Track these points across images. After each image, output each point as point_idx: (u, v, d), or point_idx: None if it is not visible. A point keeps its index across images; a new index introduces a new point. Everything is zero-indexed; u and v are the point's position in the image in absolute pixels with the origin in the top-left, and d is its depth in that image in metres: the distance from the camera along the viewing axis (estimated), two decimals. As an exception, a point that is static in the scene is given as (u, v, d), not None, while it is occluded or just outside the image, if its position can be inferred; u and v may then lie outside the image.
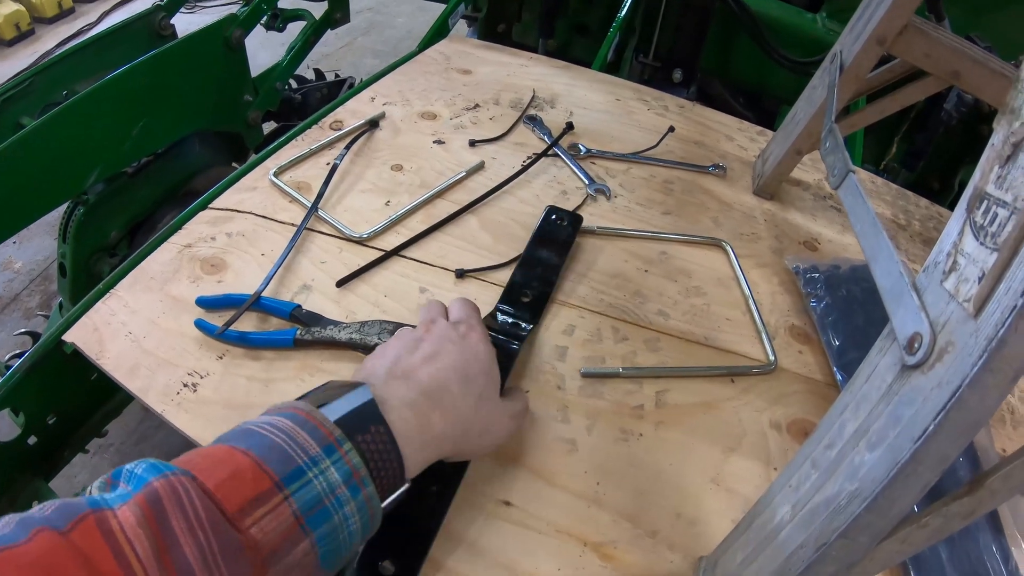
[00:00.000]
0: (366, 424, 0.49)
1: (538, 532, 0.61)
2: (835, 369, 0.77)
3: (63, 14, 3.39)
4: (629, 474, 0.66)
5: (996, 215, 0.37)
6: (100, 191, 1.42)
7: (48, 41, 3.19)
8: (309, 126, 1.05)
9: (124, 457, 1.65)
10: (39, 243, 2.21)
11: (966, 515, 0.42)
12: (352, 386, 0.52)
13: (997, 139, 0.40)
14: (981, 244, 0.38)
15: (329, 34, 1.86)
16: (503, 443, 0.62)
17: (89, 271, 1.43)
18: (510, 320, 0.75)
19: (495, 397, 0.60)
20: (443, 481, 0.62)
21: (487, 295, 0.80)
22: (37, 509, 0.37)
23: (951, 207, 1.16)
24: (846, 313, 0.81)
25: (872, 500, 0.40)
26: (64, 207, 1.41)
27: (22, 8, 3.16)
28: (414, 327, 0.66)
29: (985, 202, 0.39)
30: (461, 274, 0.83)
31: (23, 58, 3.01)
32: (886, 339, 0.46)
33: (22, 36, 3.17)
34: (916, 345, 0.40)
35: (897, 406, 0.41)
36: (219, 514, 0.39)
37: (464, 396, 0.56)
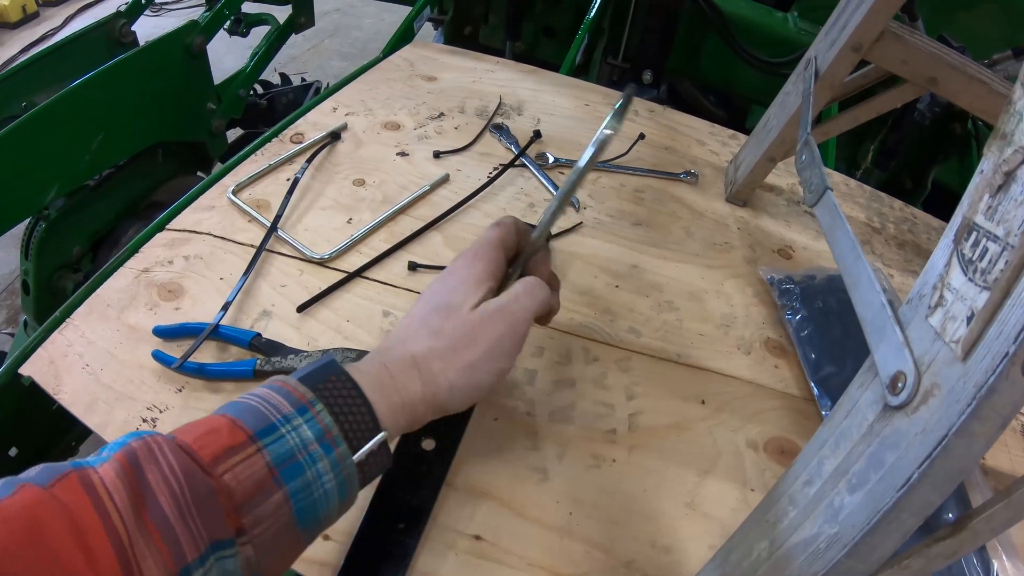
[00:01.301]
0: (325, 375, 0.49)
1: (509, 567, 0.58)
2: (812, 384, 0.75)
3: (27, 19, 3.33)
4: (601, 503, 0.63)
5: (986, 249, 0.35)
6: (61, 206, 1.38)
7: (12, 47, 3.14)
8: (269, 139, 1.01)
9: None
10: (4, 256, 2.16)
11: (948, 556, 0.41)
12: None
13: (987, 166, 0.38)
14: (970, 280, 0.36)
15: (295, 37, 1.84)
16: (517, 351, 0.57)
17: (52, 288, 1.40)
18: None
19: (474, 300, 0.56)
20: (410, 518, 0.59)
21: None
22: (24, 472, 0.38)
23: (924, 206, 1.15)
24: (822, 325, 0.79)
25: (853, 546, 0.38)
26: (25, 223, 1.37)
27: (-15, 12, 3.11)
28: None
29: (974, 234, 0.37)
30: (413, 267, 0.82)
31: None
32: (867, 373, 0.44)
33: (-16, 42, 3.11)
34: (900, 385, 0.38)
35: (879, 448, 0.39)
36: (193, 463, 0.40)
37: (439, 312, 0.56)
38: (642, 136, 1.09)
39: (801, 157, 0.70)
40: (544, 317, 0.65)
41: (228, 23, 1.67)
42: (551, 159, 1.02)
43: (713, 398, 0.73)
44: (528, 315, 0.57)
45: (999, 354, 0.32)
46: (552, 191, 0.96)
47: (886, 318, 0.43)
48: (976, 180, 0.39)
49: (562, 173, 1.01)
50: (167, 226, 0.85)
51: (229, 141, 1.73)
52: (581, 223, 0.92)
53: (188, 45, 1.50)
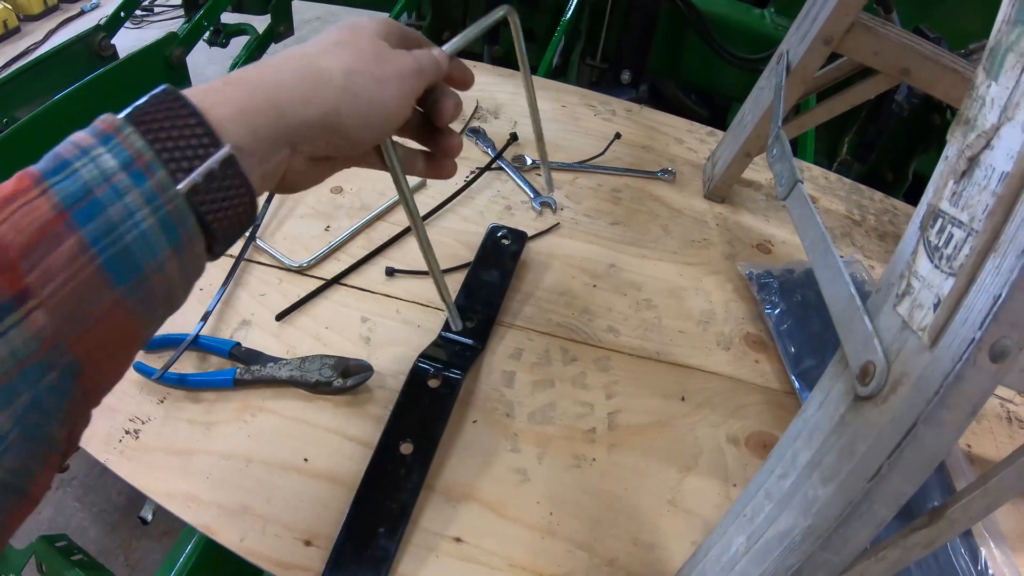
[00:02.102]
0: (147, 99, 0.38)
1: (492, 568, 0.58)
2: (792, 377, 0.75)
3: (8, 34, 3.31)
4: (583, 501, 0.63)
5: (952, 235, 0.36)
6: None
7: (6, 52, 3.12)
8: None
9: (87, 490, 1.61)
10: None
11: (926, 545, 0.41)
12: None
13: (951, 151, 0.38)
14: (936, 267, 0.36)
15: (275, 45, 1.84)
16: (411, 93, 0.48)
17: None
18: (455, 346, 0.72)
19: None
20: (389, 522, 0.59)
21: (431, 321, 0.77)
22: None
23: (905, 198, 1.16)
24: (801, 319, 0.79)
25: (827, 539, 0.38)
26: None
27: (-32, 27, 3.10)
28: (360, 361, 0.68)
29: (940, 220, 0.37)
30: (391, 272, 0.83)
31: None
32: (838, 364, 0.44)
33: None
34: (869, 376, 0.38)
35: (851, 439, 0.39)
36: None
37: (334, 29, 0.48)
38: (618, 136, 1.09)
39: (772, 151, 0.70)
40: (437, 109, 0.54)
41: (207, 34, 1.68)
42: (528, 161, 1.02)
43: (693, 395, 0.73)
44: (426, 71, 0.50)
45: (965, 340, 0.32)
46: (529, 193, 0.97)
47: (855, 309, 0.43)
48: (941, 167, 0.39)
49: (539, 175, 1.01)
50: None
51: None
52: (558, 224, 0.92)
53: (167, 57, 1.50)
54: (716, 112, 1.84)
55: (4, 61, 3.09)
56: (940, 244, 0.37)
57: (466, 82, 0.57)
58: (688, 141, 1.14)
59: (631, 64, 1.50)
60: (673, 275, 0.87)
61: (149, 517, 0.93)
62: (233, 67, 1.71)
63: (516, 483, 0.64)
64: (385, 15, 0.56)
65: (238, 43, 1.79)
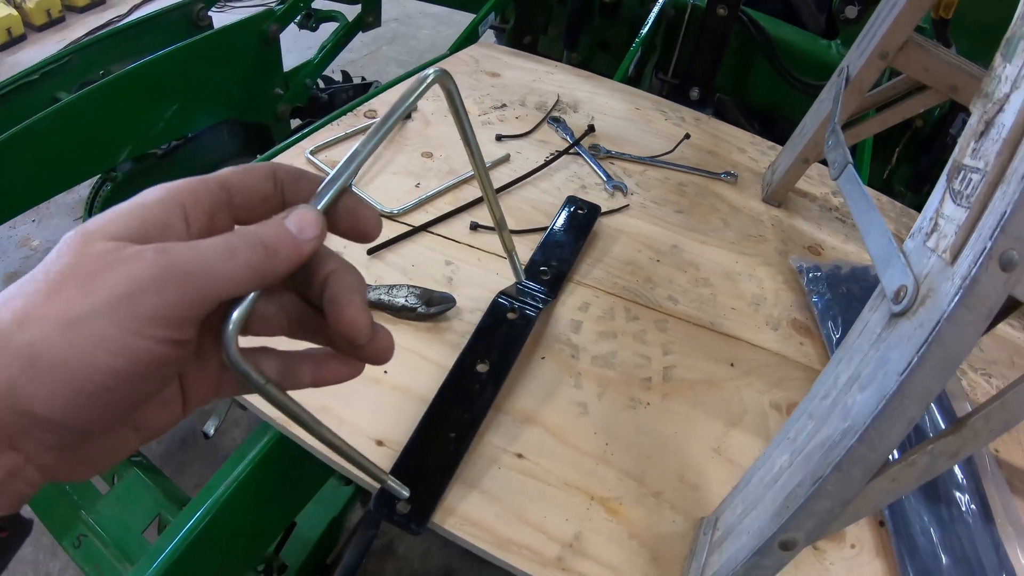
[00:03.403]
0: None
1: (548, 484, 0.65)
2: (834, 360, 0.81)
3: (94, 4, 3.46)
4: (636, 439, 0.70)
5: (970, 180, 0.43)
6: (128, 170, 1.47)
7: (78, 29, 3.26)
8: (344, 113, 1.10)
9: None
10: (58, 222, 2.26)
11: (952, 455, 0.46)
12: None
13: (974, 119, 0.45)
14: (957, 205, 0.43)
15: (355, 41, 1.92)
16: (177, 322, 0.31)
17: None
18: (530, 293, 0.79)
19: (116, 231, 0.32)
20: (460, 429, 0.66)
21: (510, 272, 0.84)
22: None
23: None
24: (846, 309, 0.85)
25: (863, 432, 0.44)
26: (92, 183, 1.46)
27: (56, -5, 3.24)
28: (444, 293, 0.72)
29: (962, 172, 0.44)
30: (475, 226, 0.90)
31: (52, 44, 3.08)
32: (876, 298, 0.51)
33: (52, 23, 3.24)
34: (902, 295, 0.45)
35: (885, 350, 0.45)
36: None
37: (57, 248, 0.32)
38: (687, 136, 1.16)
39: (828, 142, 0.78)
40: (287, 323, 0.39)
41: (299, 17, 1.77)
42: (603, 150, 1.10)
43: (742, 363, 0.80)
44: (219, 269, 0.32)
45: (979, 251, 0.39)
46: (603, 177, 1.04)
47: (892, 249, 0.51)
48: (965, 132, 0.47)
49: (612, 164, 1.09)
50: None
51: (291, 129, 1.82)
52: (628, 205, 1.00)
53: (263, 31, 1.59)
54: (778, 141, 1.90)
55: (88, 29, 3.22)
56: (961, 189, 0.44)
57: (364, 231, 0.39)
58: (750, 151, 1.21)
59: (700, 82, 1.57)
60: (729, 261, 0.94)
61: (211, 432, 1.00)
62: (321, 50, 1.80)
63: (576, 414, 0.71)
64: (151, 190, 0.33)
65: (327, 29, 1.87)
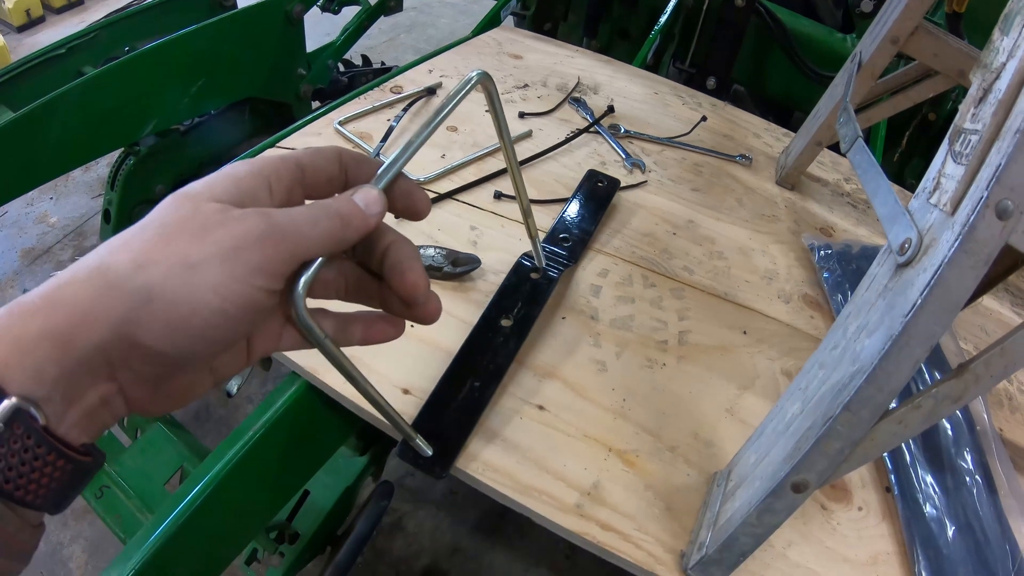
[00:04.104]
0: None
1: (567, 435, 0.68)
2: (842, 332, 0.84)
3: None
4: (652, 396, 0.73)
5: (970, 141, 0.46)
6: (152, 144, 1.50)
7: (97, 11, 3.26)
8: (371, 88, 1.13)
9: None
10: (76, 200, 2.28)
11: (955, 399, 0.49)
12: None
13: (974, 88, 0.49)
14: (957, 164, 0.46)
15: (373, 28, 1.93)
16: (274, 274, 0.36)
17: (132, 220, 1.51)
18: (552, 256, 0.82)
19: (220, 192, 0.37)
20: (484, 378, 0.69)
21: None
22: None
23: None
24: (855, 285, 0.88)
25: (871, 373, 0.47)
26: (116, 156, 1.49)
27: (73, -24, 3.26)
28: (469, 254, 0.74)
29: (962, 135, 0.47)
30: (498, 195, 0.95)
31: (71, 26, 3.10)
32: (884, 254, 0.54)
33: (71, 5, 3.26)
34: (906, 247, 0.48)
35: (891, 298, 0.48)
36: None
37: (163, 206, 0.37)
38: (704, 119, 1.19)
39: (840, 118, 0.81)
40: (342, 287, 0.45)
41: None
42: (623, 130, 1.13)
43: (754, 332, 0.83)
44: (307, 233, 0.37)
45: (976, 200, 0.42)
46: (622, 155, 1.07)
47: (898, 208, 0.54)
48: (965, 99, 0.50)
49: (631, 143, 1.12)
50: (277, 144, 0.97)
51: (312, 110, 1.85)
52: (646, 182, 1.03)
53: (288, 11, 1.62)
54: (793, 131, 1.93)
55: (107, 12, 3.23)
56: (961, 150, 0.47)
57: (416, 210, 0.44)
58: (765, 137, 1.24)
59: (717, 72, 1.60)
60: (743, 238, 0.97)
61: (234, 390, 1.02)
62: (344, 32, 1.83)
63: (595, 371, 0.74)
64: (249, 161, 0.40)
65: (349, 12, 1.90)
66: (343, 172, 0.42)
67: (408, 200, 0.43)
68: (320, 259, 0.39)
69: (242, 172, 0.38)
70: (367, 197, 0.40)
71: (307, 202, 0.40)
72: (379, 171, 0.42)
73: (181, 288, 0.33)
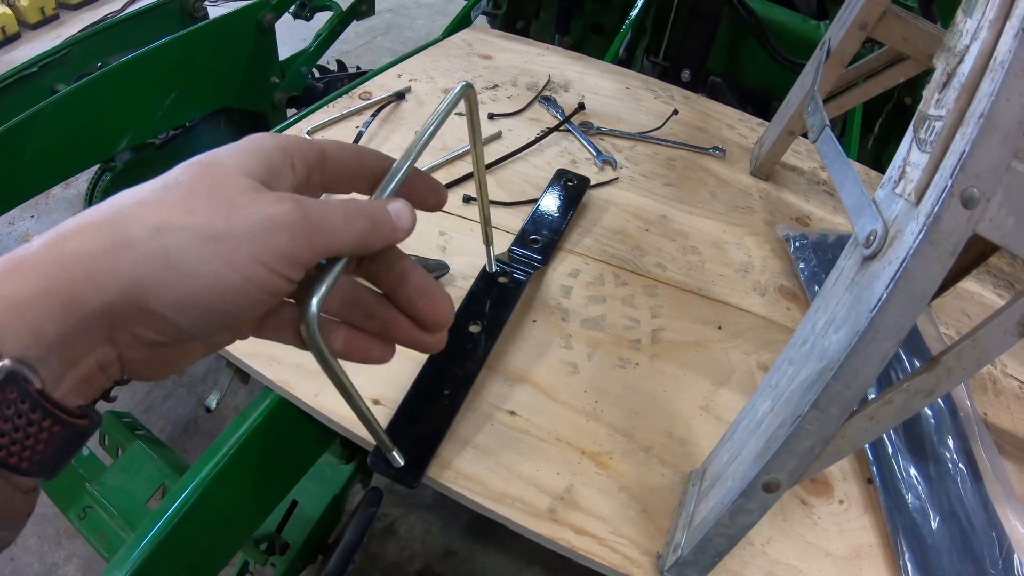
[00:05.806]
0: None
1: (540, 440, 0.67)
2: (819, 323, 0.83)
3: (88, 0, 3.47)
4: (625, 396, 0.72)
5: (934, 128, 0.45)
6: (128, 160, 1.49)
7: (72, 26, 3.25)
8: (340, 95, 1.12)
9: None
10: (58, 217, 2.26)
11: (927, 392, 0.48)
12: None
13: (938, 72, 0.47)
14: (922, 152, 0.45)
15: (349, 31, 1.92)
16: (297, 264, 0.35)
17: (111, 235, 1.50)
18: (522, 259, 0.81)
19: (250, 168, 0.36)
20: (455, 385, 0.68)
21: (501, 241, 0.86)
22: None
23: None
24: (831, 274, 0.87)
25: (839, 369, 0.46)
26: (92, 173, 1.48)
27: (48, -8, 3.25)
28: (438, 260, 0.74)
29: (927, 121, 0.46)
30: (467, 199, 0.93)
31: (47, 42, 3.08)
32: (851, 246, 0.53)
33: (47, 20, 3.24)
34: (872, 239, 0.47)
35: (857, 292, 0.47)
36: None
37: (184, 168, 0.35)
38: (676, 112, 1.18)
39: (808, 108, 0.80)
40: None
41: (294, 6, 1.78)
42: (594, 127, 1.12)
43: (729, 326, 0.82)
44: (339, 230, 0.37)
45: (941, 189, 0.40)
46: (593, 152, 1.06)
47: (864, 199, 0.53)
48: (929, 85, 0.49)
49: (602, 140, 1.11)
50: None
51: (287, 119, 1.84)
52: (617, 179, 1.02)
53: (259, 20, 1.60)
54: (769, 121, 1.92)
55: (83, 26, 3.22)
56: (926, 137, 0.46)
57: (435, 202, 0.47)
58: (739, 128, 1.23)
59: (691, 64, 1.59)
60: (717, 231, 0.96)
61: (213, 405, 1.01)
62: (316, 39, 1.82)
63: (567, 373, 0.73)
64: (281, 135, 0.39)
65: (321, 18, 1.89)
66: (360, 168, 0.43)
67: (420, 187, 0.46)
68: (343, 260, 0.38)
69: (268, 146, 0.37)
70: (400, 211, 0.40)
71: (335, 198, 0.41)
72: (379, 187, 0.42)
73: (202, 260, 0.32)
